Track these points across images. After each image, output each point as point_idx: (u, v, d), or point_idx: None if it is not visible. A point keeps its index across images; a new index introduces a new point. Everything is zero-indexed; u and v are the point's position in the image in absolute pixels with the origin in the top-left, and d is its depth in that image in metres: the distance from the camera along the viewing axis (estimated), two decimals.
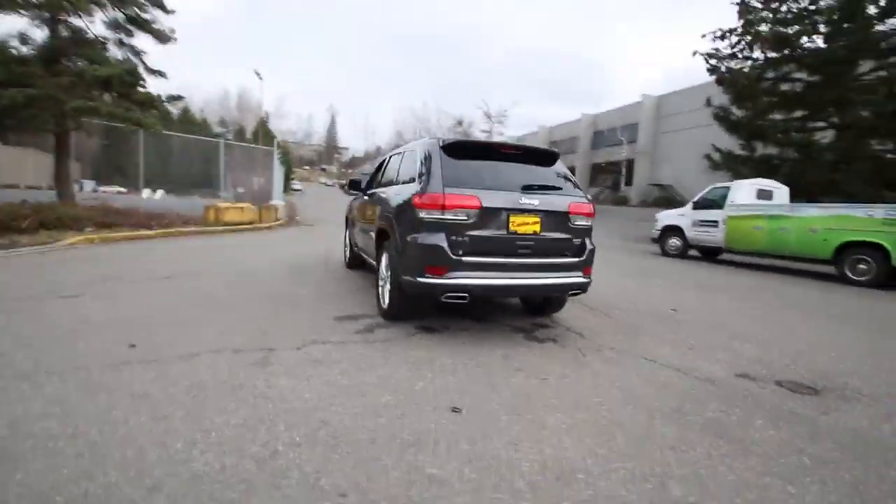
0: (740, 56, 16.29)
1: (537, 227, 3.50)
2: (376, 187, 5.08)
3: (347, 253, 6.67)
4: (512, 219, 3.43)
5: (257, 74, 30.13)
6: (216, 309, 4.08)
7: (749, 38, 15.73)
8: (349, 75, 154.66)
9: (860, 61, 13.35)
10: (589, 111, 42.07)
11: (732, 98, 16.01)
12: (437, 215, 3.32)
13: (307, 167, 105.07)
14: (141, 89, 10.71)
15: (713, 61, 16.99)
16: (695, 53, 17.32)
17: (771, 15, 15.43)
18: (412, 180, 3.84)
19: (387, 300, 3.91)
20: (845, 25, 13.09)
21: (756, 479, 1.93)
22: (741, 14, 15.80)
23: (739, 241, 9.94)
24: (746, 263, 11.16)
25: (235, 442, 1.96)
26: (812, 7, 14.78)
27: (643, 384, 2.91)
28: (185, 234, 10.36)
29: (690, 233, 11.08)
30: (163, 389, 2.43)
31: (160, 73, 11.89)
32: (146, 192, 15.47)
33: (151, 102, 10.68)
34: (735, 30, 16.22)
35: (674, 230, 11.58)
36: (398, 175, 4.29)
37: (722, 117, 16.71)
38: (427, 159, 3.65)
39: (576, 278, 3.66)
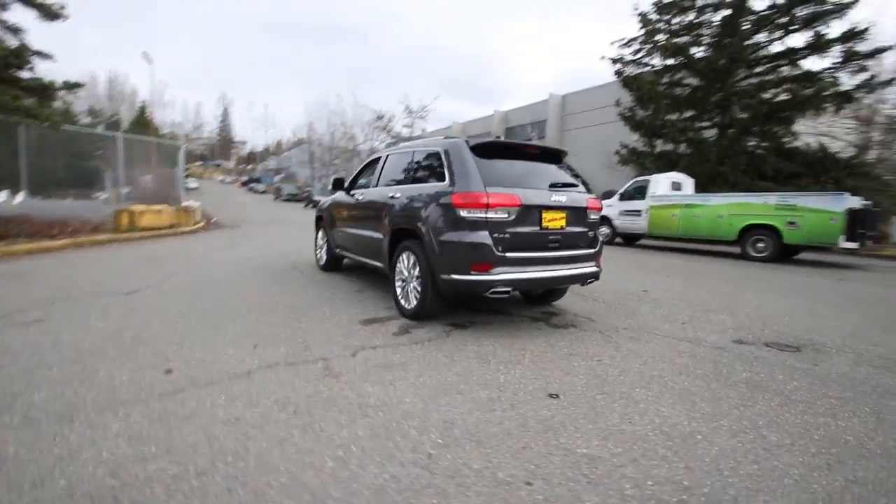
0: (641, 63, 18.31)
1: (563, 223, 3.76)
2: (372, 187, 4.98)
3: (322, 255, 6.40)
4: (544, 215, 3.65)
5: (146, 57, 26.70)
6: (218, 322, 3.74)
7: (649, 46, 17.74)
8: (241, 63, 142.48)
9: (738, 70, 15.79)
10: (500, 108, 43.97)
11: (636, 100, 17.94)
12: (480, 214, 3.42)
13: (200, 163, 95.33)
14: (27, 74, 9.04)
15: (619, 66, 18.86)
16: (603, 58, 19.10)
17: (666, 26, 17.55)
18: (433, 180, 3.88)
19: (413, 300, 3.91)
20: (726, 41, 15.38)
21: (813, 419, 2.37)
22: (643, 24, 17.73)
23: (660, 228, 11.31)
24: (661, 247, 12.71)
25: (381, 451, 1.93)
26: (697, 21, 17.14)
27: (676, 356, 3.32)
28: (100, 243, 9.03)
29: (618, 221, 12.32)
30: (251, 411, 2.25)
31: (46, 56, 10.13)
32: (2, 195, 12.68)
33: (45, 90, 9.06)
34: (637, 38, 18.18)
35: (603, 220, 12.77)
36: (409, 175, 4.27)
37: (628, 117, 18.63)
38: (454, 159, 3.71)
39: (592, 268, 3.99)
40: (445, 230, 3.54)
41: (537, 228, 3.62)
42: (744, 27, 15.33)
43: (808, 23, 14.82)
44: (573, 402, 2.48)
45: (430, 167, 4.00)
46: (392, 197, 4.32)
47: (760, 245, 9.41)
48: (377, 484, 1.71)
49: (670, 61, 16.94)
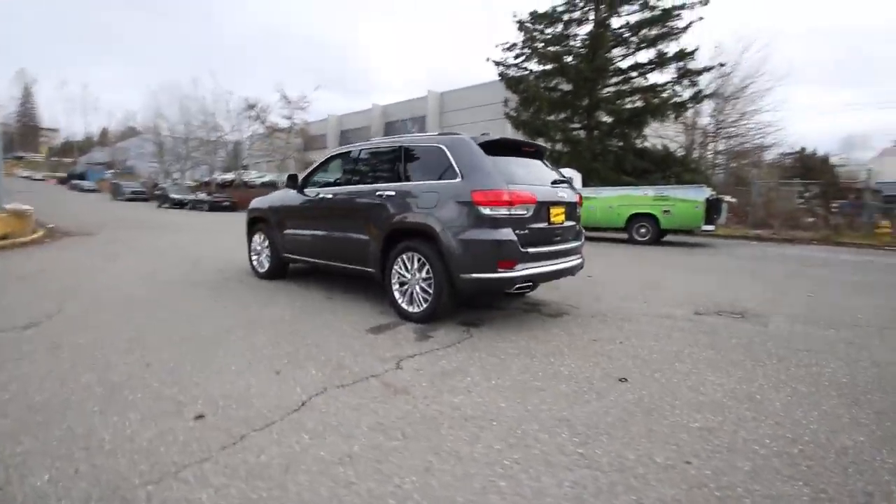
0: (522, 67, 19.83)
1: (563, 217, 3.97)
2: (342, 185, 4.58)
3: (263, 261, 5.67)
4: (551, 210, 3.81)
5: None
6: (201, 350, 3.12)
7: (528, 51, 19.29)
8: (46, 35, 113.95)
9: (603, 80, 18.14)
10: (377, 102, 43.49)
11: (520, 101, 19.40)
12: (503, 211, 3.42)
13: None
14: None
15: (502, 68, 20.15)
16: (488, 59, 20.18)
17: (541, 35, 19.27)
18: (435, 177, 3.75)
19: (421, 303, 3.75)
20: (596, 52, 17.54)
21: (812, 369, 2.94)
22: (520, 30, 19.20)
23: None
24: None
25: (536, 460, 1.86)
26: (565, 33, 19.19)
27: (670, 331, 3.77)
28: None
29: None
30: (356, 444, 1.96)
31: None
32: None
33: None
34: (517, 44, 19.62)
35: None
36: (400, 172, 4.04)
37: (512, 116, 20.06)
38: (462, 155, 3.64)
39: (579, 259, 4.28)
40: (466, 228, 3.46)
41: (546, 224, 3.77)
42: (608, 43, 17.67)
43: (652, 42, 17.70)
44: (642, 383, 2.68)
45: (430, 163, 3.85)
46: (381, 195, 4.04)
47: (643, 230, 11.08)
48: (569, 493, 1.66)
49: (548, 67, 18.65)
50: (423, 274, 3.73)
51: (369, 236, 4.15)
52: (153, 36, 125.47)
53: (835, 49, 63.30)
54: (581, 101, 18.61)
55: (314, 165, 5.07)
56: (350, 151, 4.70)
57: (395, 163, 4.14)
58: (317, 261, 4.86)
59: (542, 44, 18.97)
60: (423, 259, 3.71)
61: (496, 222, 3.43)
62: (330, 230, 4.60)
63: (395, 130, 41.92)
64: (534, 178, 3.87)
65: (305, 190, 5.03)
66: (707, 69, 17.22)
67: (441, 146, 3.79)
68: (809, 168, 36.93)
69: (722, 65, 17.70)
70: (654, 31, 17.38)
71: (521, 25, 19.29)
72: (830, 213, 14.21)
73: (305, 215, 4.96)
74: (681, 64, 17.32)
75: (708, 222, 10.50)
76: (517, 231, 3.49)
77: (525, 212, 3.53)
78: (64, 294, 4.73)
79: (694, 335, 3.65)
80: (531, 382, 2.66)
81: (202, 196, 27.35)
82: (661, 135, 20.03)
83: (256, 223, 5.79)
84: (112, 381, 2.58)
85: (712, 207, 10.52)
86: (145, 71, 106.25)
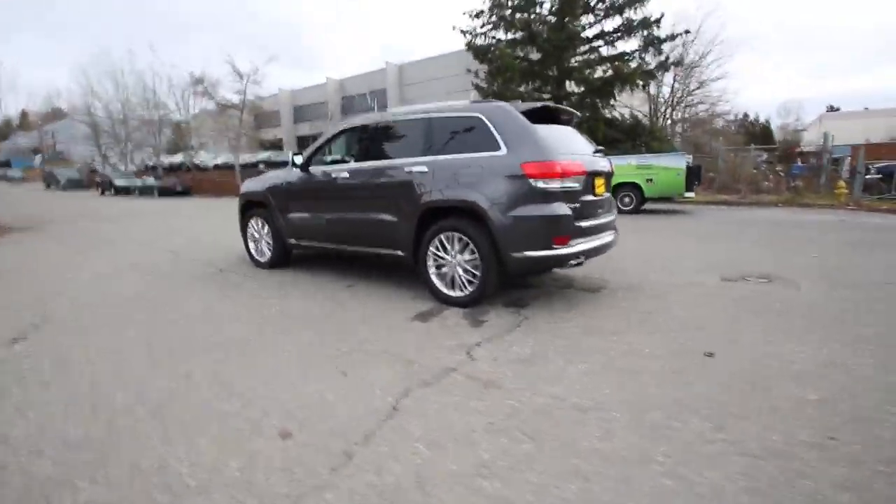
0: (489, 35, 19.31)
1: (604, 189, 3.81)
2: (359, 161, 4.20)
3: (263, 249, 5.21)
4: (595, 181, 3.63)
5: None
6: (241, 356, 2.79)
7: (496, 19, 18.76)
8: None
9: (573, 48, 17.99)
10: (332, 76, 41.50)
11: (489, 70, 18.97)
12: (556, 184, 3.21)
13: None
14: None
15: (469, 37, 19.55)
16: (454, 28, 19.52)
17: (507, 1, 18.74)
18: (472, 149, 3.47)
19: (465, 286, 3.52)
20: (566, 20, 17.29)
21: (861, 330, 2.98)
22: None
23: None
24: None
25: (708, 453, 1.73)
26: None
27: (713, 299, 3.75)
28: None
29: None
30: (471, 457, 1.76)
31: None
32: None
33: None
34: (483, 12, 19.02)
35: None
36: (430, 144, 3.71)
37: (481, 87, 19.63)
38: (505, 125, 3.37)
39: (615, 234, 4.11)
40: (517, 203, 3.23)
41: (592, 196, 3.60)
42: (576, 10, 17.43)
43: (619, 10, 17.65)
44: (727, 356, 2.61)
45: (466, 135, 3.55)
46: (412, 171, 3.71)
47: (626, 200, 11.22)
48: (748, 487, 1.53)
49: (517, 35, 18.24)
50: (467, 255, 3.49)
51: (398, 216, 3.83)
52: (70, 4, 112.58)
53: (765, 18, 66.30)
54: (550, 69, 18.44)
55: (319, 142, 4.62)
56: (365, 125, 4.28)
57: (422, 136, 3.80)
58: (334, 245, 4.48)
59: (510, 10, 18.49)
60: (465, 239, 3.46)
61: (549, 196, 3.22)
62: (348, 211, 4.22)
63: (353, 105, 40.26)
64: (575, 147, 3.66)
65: (311, 168, 4.60)
66: (672, 37, 17.43)
67: (479, 115, 3.49)
68: (752, 134, 39.02)
69: (687, 32, 17.96)
70: None
71: None
72: (790, 177, 14.98)
73: (316, 196, 4.54)
74: (646, 32, 17.43)
75: (688, 189, 10.76)
76: (569, 204, 3.30)
77: (576, 184, 3.34)
78: (41, 298, 4.14)
79: (737, 302, 3.64)
80: (617, 363, 2.53)
81: (150, 181, 25.35)
82: (626, 104, 20.30)
83: (251, 208, 5.29)
84: (154, 400, 2.22)
85: (692, 174, 10.77)
86: (68, 45, 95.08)
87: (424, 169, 3.65)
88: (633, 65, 17.36)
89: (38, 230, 9.70)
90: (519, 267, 3.36)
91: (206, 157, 33.38)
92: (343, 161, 4.47)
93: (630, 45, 18.20)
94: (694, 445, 1.77)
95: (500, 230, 3.27)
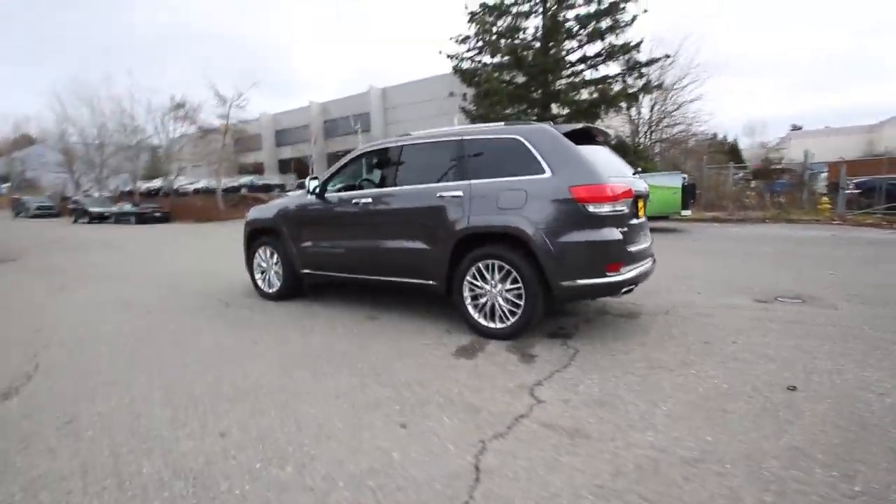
0: (476, 60, 19.61)
1: (643, 211, 3.68)
2: (386, 186, 3.97)
3: (272, 279, 4.89)
4: (638, 204, 3.49)
5: None
6: (276, 402, 2.48)
7: (482, 44, 19.10)
8: None
9: (558, 72, 18.38)
10: (315, 99, 41.49)
11: (477, 94, 19.17)
12: (606, 208, 3.04)
13: None
14: None
15: (455, 61, 19.82)
16: (440, 52, 19.79)
17: (493, 27, 19.13)
18: (512, 172, 3.29)
19: (507, 317, 3.29)
20: (550, 44, 17.69)
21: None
22: (475, 22, 18.94)
23: None
24: None
25: (823, 486, 1.51)
26: (515, 25, 19.20)
27: (758, 322, 3.61)
28: None
29: None
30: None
31: None
32: None
33: None
34: (469, 37, 19.36)
35: None
36: (466, 168, 3.50)
37: (468, 110, 19.82)
38: (548, 146, 3.22)
39: (654, 261, 3.86)
40: (566, 229, 3.05)
41: (636, 220, 3.45)
42: (559, 36, 17.89)
43: (601, 35, 18.17)
44: (811, 391, 2.43)
45: (504, 158, 3.37)
46: (445, 196, 3.51)
47: None
48: None
49: (504, 59, 18.56)
50: (508, 284, 3.27)
51: (429, 244, 3.60)
52: (44, 32, 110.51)
53: (733, 39, 70.11)
54: (536, 93, 18.75)
55: (336, 166, 4.38)
56: (387, 148, 4.08)
57: (454, 158, 3.61)
58: (354, 276, 4.20)
59: (496, 36, 18.85)
60: (507, 267, 3.25)
61: (601, 221, 3.05)
62: (372, 239, 3.97)
63: (337, 128, 40.19)
64: (618, 169, 3.53)
65: (327, 195, 4.35)
66: (654, 60, 18.00)
67: (518, 137, 3.33)
68: (721, 153, 40.47)
69: (668, 56, 18.59)
70: (602, 24, 17.82)
71: (473, 17, 19.05)
72: (772, 194, 15.37)
73: (334, 223, 4.28)
74: (628, 56, 17.96)
75: (684, 207, 10.86)
76: (619, 229, 3.13)
77: (624, 207, 3.19)
78: (29, 341, 3.73)
79: (787, 327, 3.51)
80: (702, 403, 2.32)
81: (127, 207, 24.49)
82: (608, 125, 20.76)
83: (259, 236, 4.98)
84: (190, 470, 1.89)
85: (687, 193, 10.89)
86: (38, 71, 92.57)
87: (459, 193, 3.45)
88: (618, 87, 17.79)
89: (13, 262, 9.08)
90: (568, 296, 3.17)
91: (184, 182, 32.61)
92: (361, 186, 4.24)
93: (613, 69, 18.70)
94: (838, 480, 1.56)
95: (548, 258, 3.07)
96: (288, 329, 3.86)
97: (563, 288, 3.10)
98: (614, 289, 3.12)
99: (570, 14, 18.30)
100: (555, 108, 19.12)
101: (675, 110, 23.13)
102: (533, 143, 3.26)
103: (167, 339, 3.68)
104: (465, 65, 19.69)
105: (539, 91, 18.88)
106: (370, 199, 3.98)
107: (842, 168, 13.26)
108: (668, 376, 2.65)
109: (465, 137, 3.60)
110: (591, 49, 18.75)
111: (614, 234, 3.08)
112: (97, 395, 2.64)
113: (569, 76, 18.94)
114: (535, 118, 19.48)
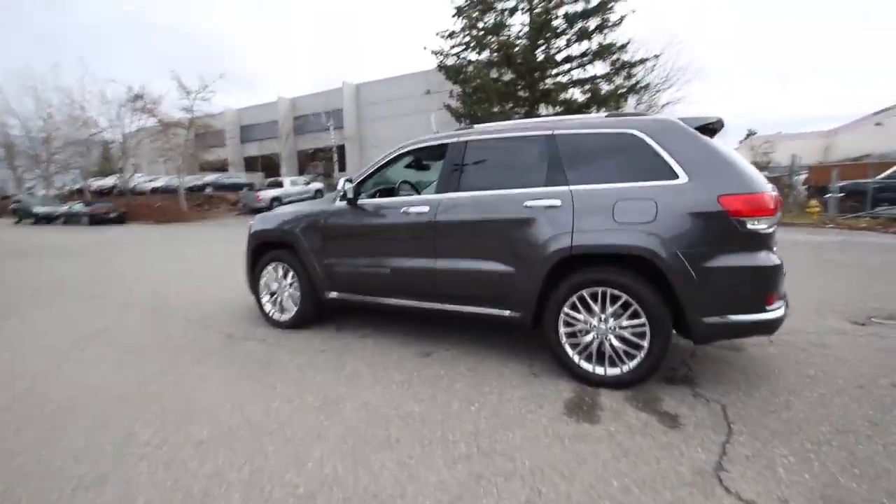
0: (461, 57, 18.92)
1: None
2: (447, 192, 3.17)
3: (286, 303, 4.01)
4: None
5: None
6: (345, 487, 1.69)
7: (469, 39, 18.43)
8: None
9: (547, 70, 17.95)
10: (283, 94, 39.62)
11: (464, 91, 18.48)
12: (765, 224, 2.40)
13: None
14: None
15: (441, 58, 19.07)
16: (425, 48, 18.99)
17: (479, 22, 18.51)
18: (626, 178, 2.61)
19: (623, 362, 2.61)
20: (538, 42, 17.21)
21: None
22: (461, 17, 18.25)
23: None
24: None
25: None
26: (500, 22, 18.65)
27: (877, 352, 3.08)
28: None
29: None
30: None
31: None
32: None
33: None
34: (455, 33, 18.66)
35: None
36: (565, 172, 2.77)
37: (451, 108, 19.11)
38: (680, 146, 2.54)
39: None
40: (716, 251, 2.39)
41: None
42: (547, 34, 17.47)
43: (588, 35, 17.89)
44: None
45: (616, 158, 2.68)
46: (535, 206, 2.77)
47: None
48: None
49: (494, 56, 17.97)
50: (625, 320, 2.58)
51: (512, 266, 2.87)
52: None
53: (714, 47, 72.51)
54: (524, 91, 18.28)
55: (372, 167, 3.57)
56: (444, 144, 3.30)
57: (544, 159, 2.88)
58: (401, 303, 3.40)
59: (483, 32, 18.24)
60: (624, 297, 2.56)
61: (759, 240, 2.41)
62: (429, 257, 3.19)
63: (308, 125, 38.48)
64: (754, 170, 2.88)
65: (360, 201, 3.54)
66: (643, 61, 17.87)
67: (636, 133, 2.64)
68: None
69: (657, 56, 18.51)
70: (591, 23, 17.53)
71: (460, 11, 18.37)
72: None
73: (375, 237, 3.47)
74: (616, 56, 17.75)
75: None
76: (775, 249, 2.50)
77: (775, 220, 2.55)
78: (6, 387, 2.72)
79: (880, 360, 2.99)
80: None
81: (78, 207, 22.33)
82: None
83: (268, 250, 4.09)
84: None
85: None
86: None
87: (556, 203, 2.72)
88: (609, 87, 17.55)
89: None
90: (710, 335, 2.51)
91: (140, 180, 30.26)
92: (398, 190, 3.47)
93: (600, 69, 18.46)
94: None
95: (689, 287, 2.40)
96: (324, 374, 3.03)
97: (704, 325, 2.44)
98: (774, 326, 2.47)
99: (559, 12, 17.92)
100: (542, 108, 18.72)
101: (660, 111, 23.21)
102: (658, 140, 2.58)
103: (166, 396, 2.78)
104: (450, 61, 18.95)
105: (527, 89, 18.39)
106: (426, 208, 3.19)
107: (833, 171, 13.39)
108: (870, 449, 2.03)
109: (557, 132, 2.88)
110: (579, 48, 18.46)
111: (773, 257, 2.44)
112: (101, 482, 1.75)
113: (557, 75, 18.56)
114: (520, 116, 19.03)
